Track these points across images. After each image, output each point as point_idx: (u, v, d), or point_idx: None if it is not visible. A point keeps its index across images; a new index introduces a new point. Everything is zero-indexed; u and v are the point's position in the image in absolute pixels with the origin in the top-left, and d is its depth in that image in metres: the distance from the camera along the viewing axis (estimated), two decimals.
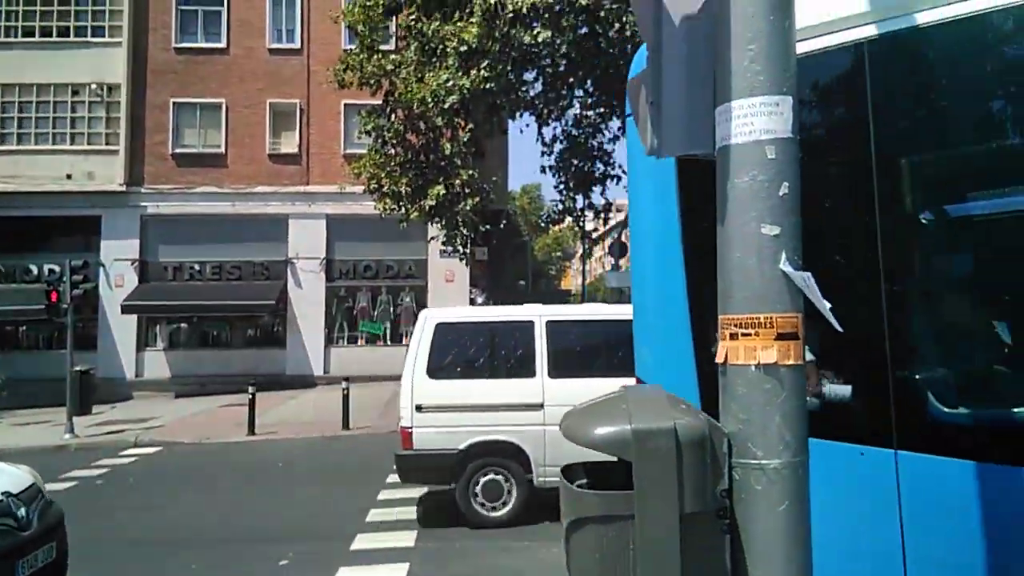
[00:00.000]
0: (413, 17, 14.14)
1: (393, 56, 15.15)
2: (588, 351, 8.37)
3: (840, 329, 2.01)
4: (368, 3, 14.66)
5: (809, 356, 2.80)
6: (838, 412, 2.70)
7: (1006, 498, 2.22)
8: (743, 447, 1.99)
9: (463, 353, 8.21)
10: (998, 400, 2.51)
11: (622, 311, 7.71)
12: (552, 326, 8.19)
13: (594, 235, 28.90)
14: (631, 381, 3.24)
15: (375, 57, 14.80)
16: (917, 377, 2.56)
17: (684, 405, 2.07)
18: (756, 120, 2.01)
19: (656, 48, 2.26)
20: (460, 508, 7.99)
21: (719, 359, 2.08)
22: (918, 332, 2.66)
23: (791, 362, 1.99)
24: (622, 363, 6.97)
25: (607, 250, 30.22)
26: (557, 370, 7.98)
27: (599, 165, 18.09)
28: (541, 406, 7.79)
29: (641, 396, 2.15)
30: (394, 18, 15.95)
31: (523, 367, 8.04)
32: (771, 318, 1.99)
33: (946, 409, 2.50)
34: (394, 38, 19.06)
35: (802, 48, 2.53)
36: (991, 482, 2.25)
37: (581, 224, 19.89)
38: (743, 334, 2.02)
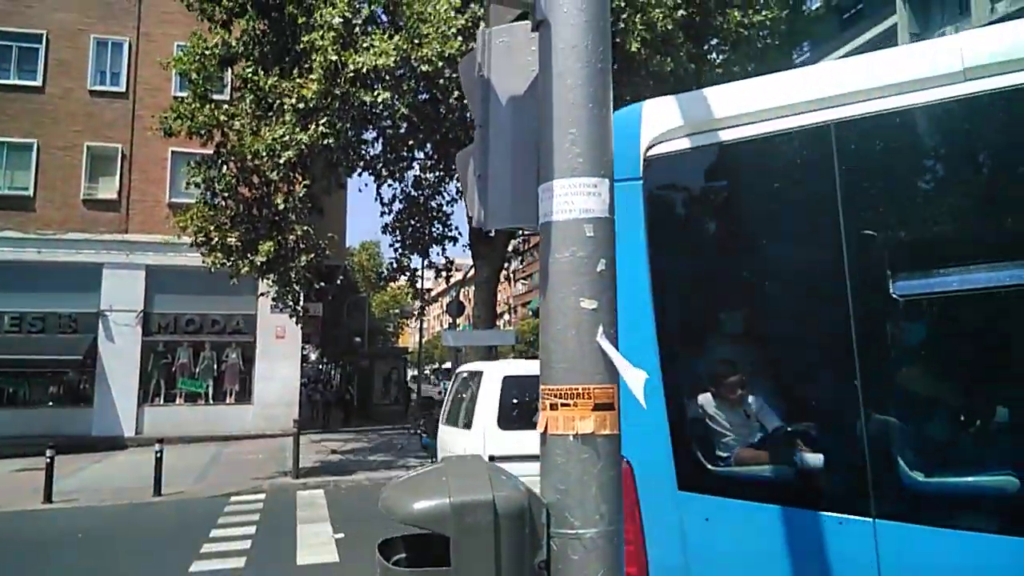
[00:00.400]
0: (250, 70, 13.81)
1: (227, 107, 14.67)
2: None
3: (644, 405, 2.09)
4: (203, 52, 14.18)
5: (777, 422, 2.99)
6: (817, 482, 2.75)
7: (977, 563, 2.34)
8: (561, 517, 2.02)
9: (529, 405, 8.21)
10: (969, 469, 2.59)
11: None
12: None
13: (432, 293, 28.96)
14: None
15: (208, 107, 14.26)
16: (892, 447, 2.62)
17: (504, 476, 2.08)
18: (576, 199, 2.12)
19: (483, 123, 2.33)
20: None
21: (539, 429, 2.12)
22: (892, 403, 2.71)
23: (607, 432, 2.06)
24: None
25: (445, 308, 30.34)
26: None
27: (437, 226, 18.29)
28: None
29: (462, 468, 2.14)
30: (230, 68, 15.51)
31: None
32: (588, 389, 2.06)
33: (920, 478, 2.58)
34: (229, 88, 18.49)
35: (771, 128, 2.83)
36: (963, 548, 2.34)
37: (416, 283, 19.92)
38: (562, 404, 2.07)
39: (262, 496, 13.45)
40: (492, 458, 7.68)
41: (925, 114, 2.64)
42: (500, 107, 2.33)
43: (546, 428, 2.10)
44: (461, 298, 24.05)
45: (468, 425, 8.49)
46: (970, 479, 2.59)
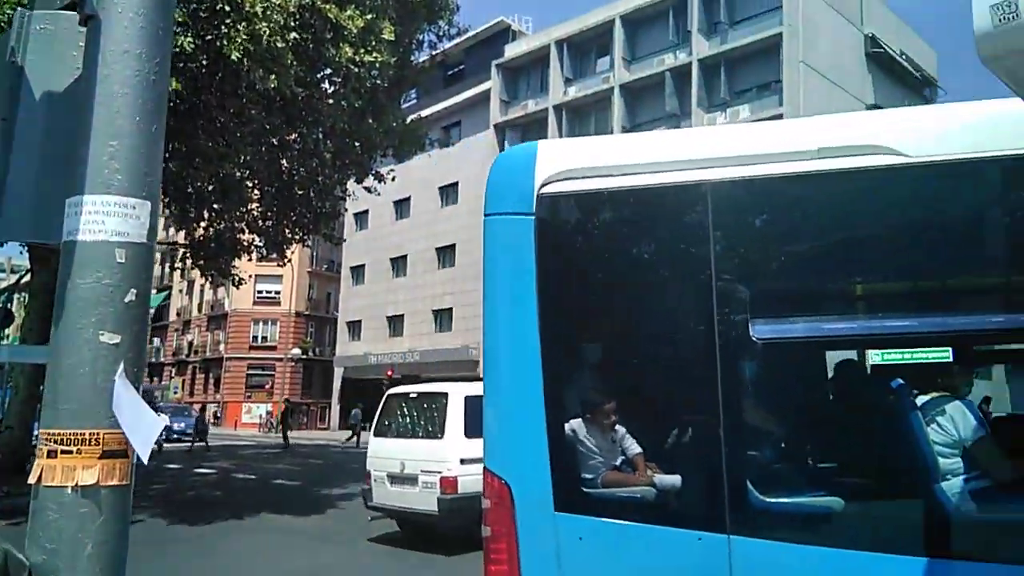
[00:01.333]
0: None
1: None
2: None
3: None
4: None
5: (638, 449, 3.21)
6: (678, 503, 3.04)
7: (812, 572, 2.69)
8: None
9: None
10: (806, 491, 2.97)
11: None
12: None
13: None
14: None
15: None
16: (744, 472, 2.91)
17: None
18: (109, 220, 1.89)
19: (7, 117, 1.99)
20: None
21: (31, 480, 1.82)
22: (747, 433, 3.03)
23: (116, 483, 1.84)
24: None
25: None
26: None
27: None
28: None
29: None
30: None
31: None
32: (97, 434, 1.82)
33: (768, 499, 2.88)
34: None
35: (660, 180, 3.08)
36: (802, 560, 2.67)
37: None
38: (63, 451, 1.81)
39: None
40: (463, 460, 9.41)
41: (785, 183, 3.03)
42: (33, 102, 2.02)
43: (39, 479, 1.80)
44: (8, 306, 20.77)
45: (437, 436, 10.10)
46: (806, 500, 2.99)
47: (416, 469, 10.17)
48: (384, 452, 10.81)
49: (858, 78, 33.50)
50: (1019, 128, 2.79)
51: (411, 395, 11.27)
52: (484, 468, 3.27)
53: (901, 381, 3.47)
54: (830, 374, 3.50)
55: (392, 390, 11.89)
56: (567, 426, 3.28)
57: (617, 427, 3.35)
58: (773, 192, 3.16)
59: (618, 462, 3.32)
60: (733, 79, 31.74)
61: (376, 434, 11.21)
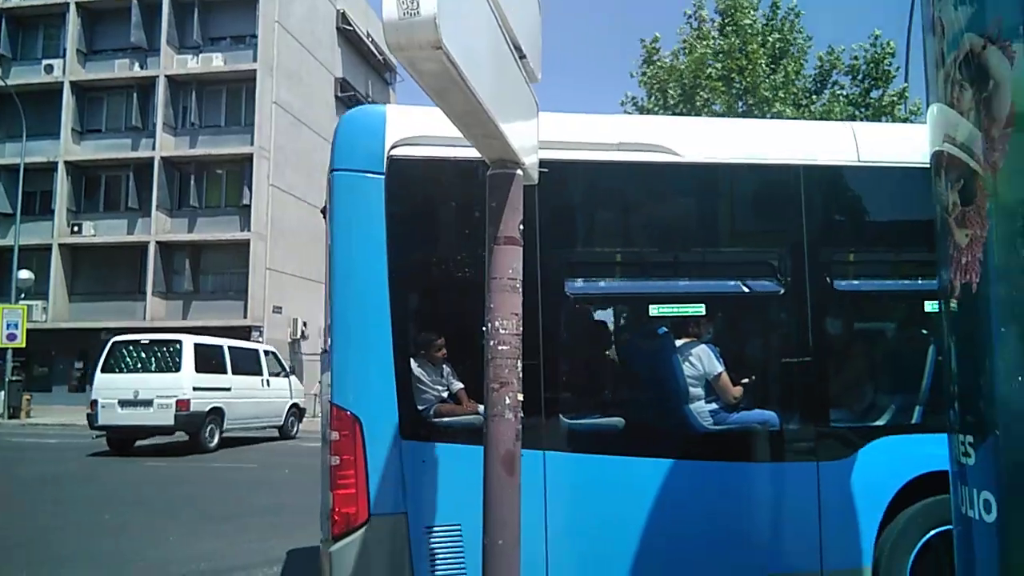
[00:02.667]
0: None
1: None
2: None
3: None
4: None
5: (460, 384, 3.88)
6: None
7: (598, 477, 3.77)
8: None
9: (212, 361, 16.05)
10: (598, 412, 4.05)
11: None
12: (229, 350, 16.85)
13: None
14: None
15: None
16: (558, 399, 3.84)
17: None
18: None
19: None
20: None
21: None
22: (561, 367, 3.95)
23: None
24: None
25: None
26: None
27: None
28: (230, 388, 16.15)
29: None
30: None
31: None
32: None
33: (571, 421, 3.88)
34: None
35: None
36: (595, 466, 3.77)
37: None
38: None
39: None
40: (194, 388, 14.79)
41: (590, 167, 4.00)
42: None
43: None
44: None
45: (174, 371, 14.84)
46: (598, 420, 3.99)
47: (152, 395, 14.57)
48: (114, 384, 14.75)
49: (328, 49, 35.13)
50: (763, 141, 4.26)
51: (142, 341, 15.47)
52: (332, 404, 3.58)
53: (665, 328, 4.37)
54: (620, 323, 4.72)
55: (117, 338, 15.75)
56: (413, 364, 3.76)
57: (444, 365, 3.94)
58: (580, 174, 4.03)
59: (445, 396, 3.90)
60: (207, 24, 30.43)
61: (104, 371, 15.05)
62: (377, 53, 37.93)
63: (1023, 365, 1.94)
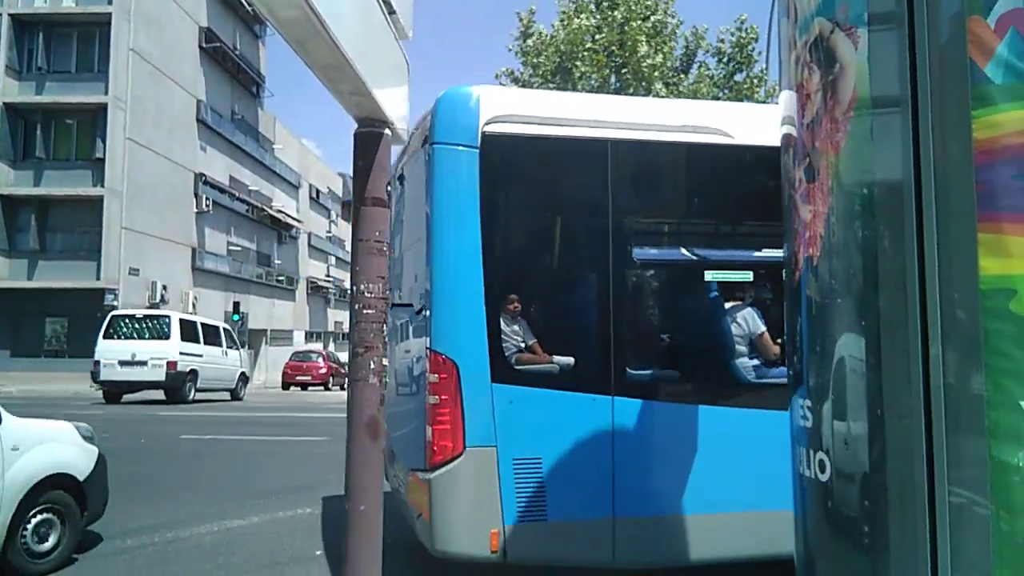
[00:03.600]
0: None
1: None
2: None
3: None
4: None
5: (533, 339, 4.45)
6: (580, 378, 4.38)
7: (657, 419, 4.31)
8: None
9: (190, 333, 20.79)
10: (660, 366, 4.68)
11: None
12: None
13: None
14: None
15: None
16: (625, 352, 4.48)
17: None
18: None
19: None
20: None
21: None
22: (627, 325, 4.58)
23: None
24: None
25: None
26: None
27: None
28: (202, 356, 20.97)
29: None
30: None
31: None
32: None
33: (638, 371, 4.52)
34: None
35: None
36: (661, 413, 4.34)
37: None
38: None
39: None
40: (180, 352, 19.82)
41: (656, 146, 4.56)
42: None
43: None
44: None
45: (165, 338, 19.78)
46: (661, 371, 4.61)
47: (146, 357, 19.25)
48: (113, 348, 19.41)
49: (192, 67, 33.09)
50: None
51: (137, 315, 20.75)
52: (431, 351, 4.14)
53: (716, 293, 4.95)
54: (678, 286, 5.04)
55: (115, 312, 21.34)
56: (500, 319, 4.25)
57: (521, 319, 4.44)
58: (648, 152, 4.55)
59: (522, 346, 4.42)
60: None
61: (105, 338, 19.65)
62: (246, 3, 36.08)
63: (857, 335, 2.08)
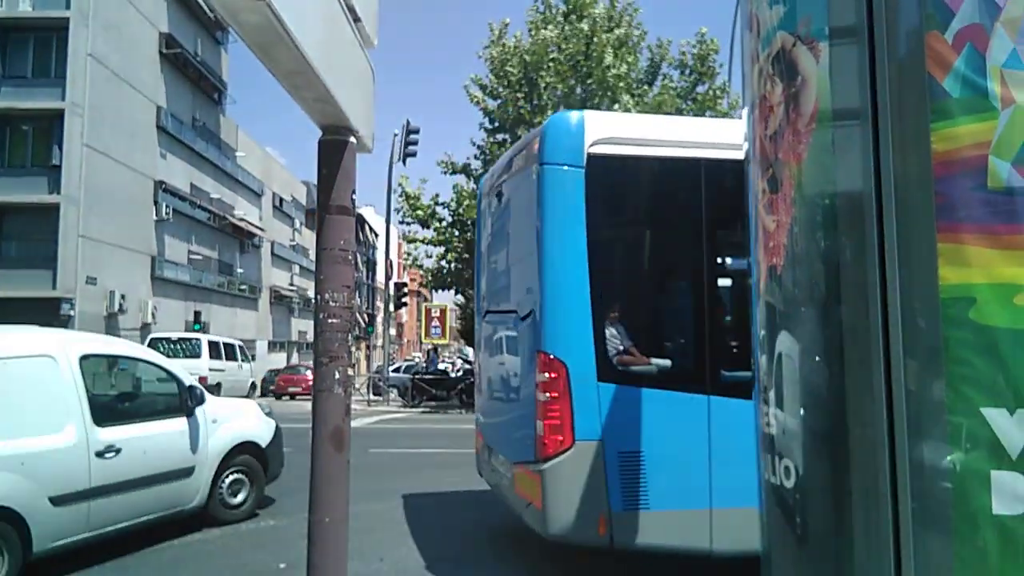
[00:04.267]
0: None
1: None
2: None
3: None
4: None
5: (629, 343, 4.75)
6: (678, 378, 4.73)
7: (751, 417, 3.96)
8: None
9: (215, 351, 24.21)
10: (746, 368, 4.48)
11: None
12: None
13: None
14: None
15: None
16: (718, 357, 4.77)
17: None
18: None
19: None
20: None
21: None
22: (718, 333, 4.92)
23: None
24: None
25: None
26: None
27: None
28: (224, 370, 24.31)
29: None
30: None
31: None
32: None
33: (729, 373, 4.73)
34: None
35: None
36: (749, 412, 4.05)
37: None
38: None
39: None
40: (210, 369, 22.90)
41: (735, 166, 4.37)
42: None
43: None
44: None
45: (197, 357, 22.99)
46: (744, 373, 4.43)
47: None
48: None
49: (152, 1, 32.57)
50: None
51: (172, 338, 23.89)
52: (542, 353, 4.53)
53: None
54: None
55: (152, 335, 24.17)
56: (604, 326, 4.56)
57: (620, 324, 4.70)
58: (737, 169, 5.05)
59: (622, 349, 4.70)
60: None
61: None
62: (208, 10, 35.65)
63: (820, 345, 2.11)
